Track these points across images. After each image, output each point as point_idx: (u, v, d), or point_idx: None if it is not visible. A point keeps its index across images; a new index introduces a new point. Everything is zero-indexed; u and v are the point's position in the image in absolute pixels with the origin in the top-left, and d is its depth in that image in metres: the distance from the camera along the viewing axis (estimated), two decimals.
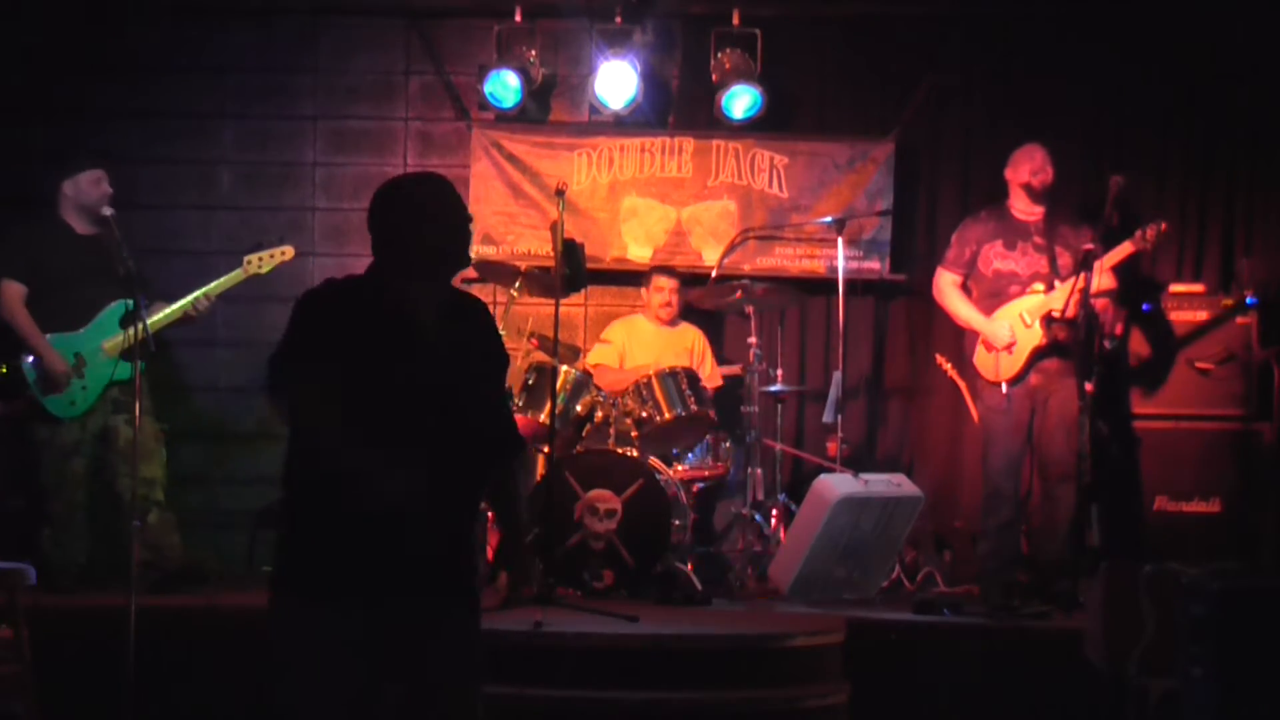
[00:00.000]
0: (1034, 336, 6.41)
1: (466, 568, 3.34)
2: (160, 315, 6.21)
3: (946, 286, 6.73)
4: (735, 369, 7.20)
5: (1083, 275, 6.13)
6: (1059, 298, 6.35)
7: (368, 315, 3.24)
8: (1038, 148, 6.59)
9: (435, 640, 3.25)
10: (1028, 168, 6.55)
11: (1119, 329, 6.95)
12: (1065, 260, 6.47)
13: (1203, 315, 6.95)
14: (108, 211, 5.99)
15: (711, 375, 7.15)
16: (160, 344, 6.13)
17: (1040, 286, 6.49)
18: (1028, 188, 6.55)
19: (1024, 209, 6.60)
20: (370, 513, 3.15)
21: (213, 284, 6.30)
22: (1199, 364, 6.88)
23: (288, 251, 6.42)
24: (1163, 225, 6.39)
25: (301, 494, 3.26)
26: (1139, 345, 7.01)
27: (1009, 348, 6.46)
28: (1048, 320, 6.33)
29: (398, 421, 3.20)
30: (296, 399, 3.22)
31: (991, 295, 6.60)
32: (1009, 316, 6.49)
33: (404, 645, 3.23)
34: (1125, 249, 6.41)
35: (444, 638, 3.26)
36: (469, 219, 3.42)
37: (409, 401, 3.22)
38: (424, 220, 3.27)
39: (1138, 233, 6.38)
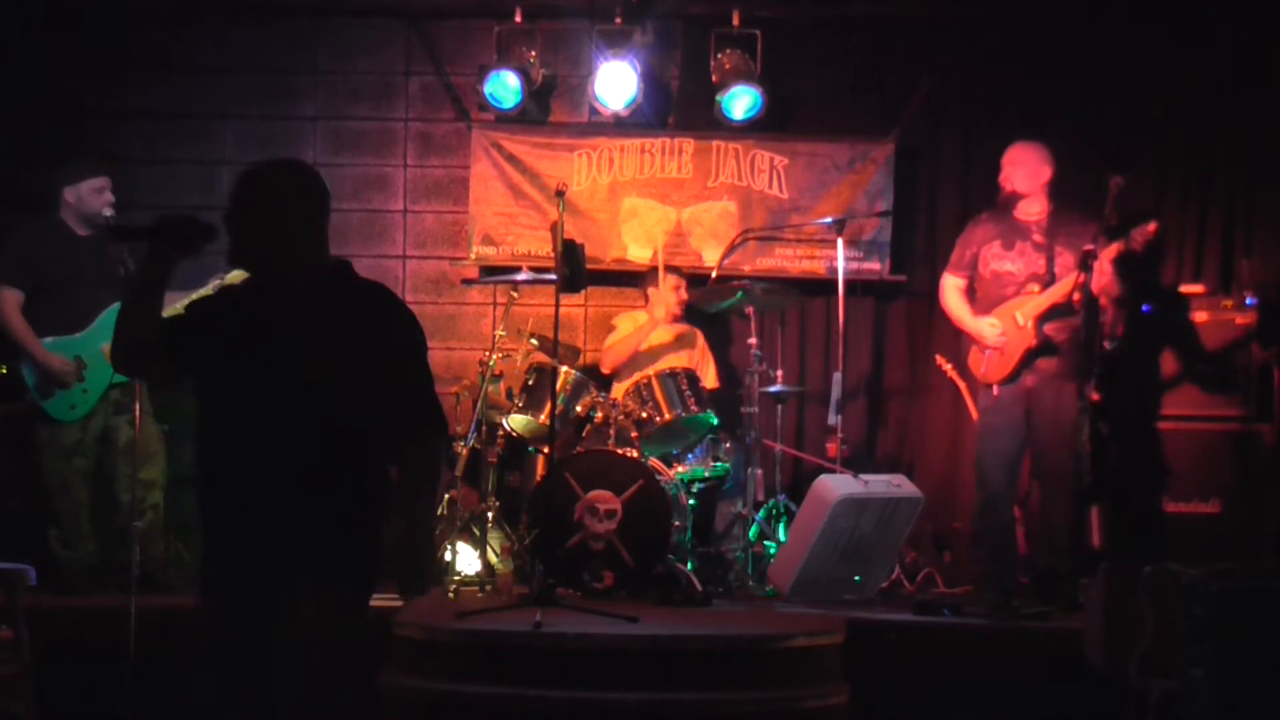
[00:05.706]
0: (1026, 337, 6.40)
1: (345, 548, 3.44)
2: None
3: (950, 290, 6.70)
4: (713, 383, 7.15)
5: (1080, 274, 6.10)
6: (1054, 295, 6.32)
7: (232, 315, 3.52)
8: (1020, 147, 6.47)
9: (295, 613, 3.37)
10: (1003, 172, 6.50)
11: (1119, 330, 6.94)
12: (1066, 259, 6.36)
13: (1203, 315, 6.94)
14: (108, 213, 6.00)
15: (709, 376, 7.16)
16: None
17: (1036, 288, 6.44)
18: (1009, 193, 6.50)
19: (1023, 209, 6.56)
20: (237, 492, 3.40)
21: (217, 282, 6.26)
22: (1199, 364, 6.88)
23: None
24: (1151, 226, 6.32)
25: (199, 479, 3.51)
26: (1140, 346, 7.01)
27: (1000, 348, 6.44)
28: (1041, 319, 6.32)
29: (257, 411, 3.40)
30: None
31: (991, 297, 6.58)
32: (1003, 316, 6.48)
33: (270, 614, 3.37)
34: (1112, 249, 6.34)
35: (305, 613, 3.37)
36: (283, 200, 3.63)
37: (265, 389, 3.40)
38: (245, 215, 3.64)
39: (1133, 232, 6.32)
